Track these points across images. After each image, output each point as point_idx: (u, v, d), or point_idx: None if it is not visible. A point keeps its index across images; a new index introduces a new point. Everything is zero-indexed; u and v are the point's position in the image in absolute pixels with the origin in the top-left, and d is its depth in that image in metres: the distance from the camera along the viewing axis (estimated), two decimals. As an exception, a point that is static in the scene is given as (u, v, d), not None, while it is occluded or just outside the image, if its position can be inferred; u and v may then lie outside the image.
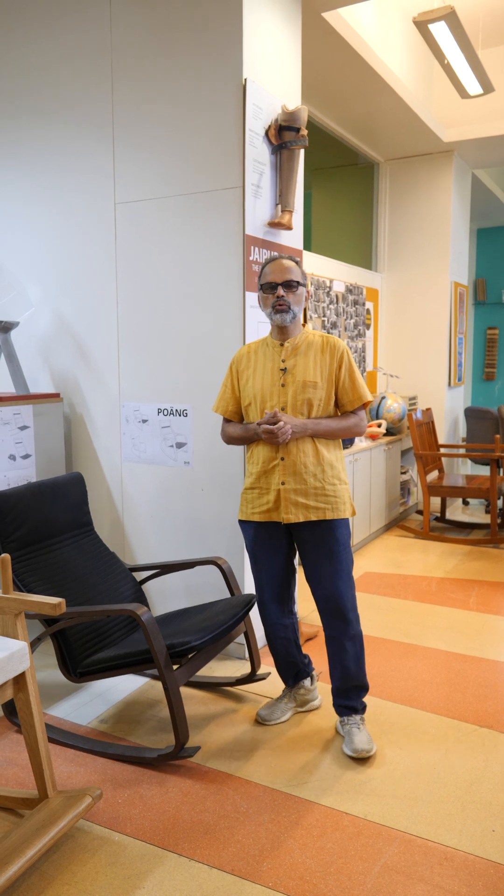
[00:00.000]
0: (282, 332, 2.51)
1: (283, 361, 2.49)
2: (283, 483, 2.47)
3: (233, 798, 2.25)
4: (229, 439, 2.63)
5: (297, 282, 2.46)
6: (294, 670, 2.73)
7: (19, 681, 2.07)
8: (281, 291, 2.44)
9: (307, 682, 2.76)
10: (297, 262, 2.50)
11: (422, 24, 3.51)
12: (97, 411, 3.54)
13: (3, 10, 3.52)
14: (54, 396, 3.48)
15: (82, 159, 3.40)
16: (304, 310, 4.33)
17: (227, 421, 2.66)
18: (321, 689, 2.94)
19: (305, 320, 4.52)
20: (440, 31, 3.57)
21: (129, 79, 3.22)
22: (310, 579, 2.54)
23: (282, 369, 2.48)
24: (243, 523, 2.62)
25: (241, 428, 2.58)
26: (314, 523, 2.49)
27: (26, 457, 3.30)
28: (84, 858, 1.99)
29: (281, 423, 2.37)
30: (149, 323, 3.33)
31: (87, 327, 3.51)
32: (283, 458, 2.47)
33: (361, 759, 2.44)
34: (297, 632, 2.71)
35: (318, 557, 2.50)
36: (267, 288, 2.48)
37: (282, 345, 2.51)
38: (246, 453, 2.61)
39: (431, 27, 3.53)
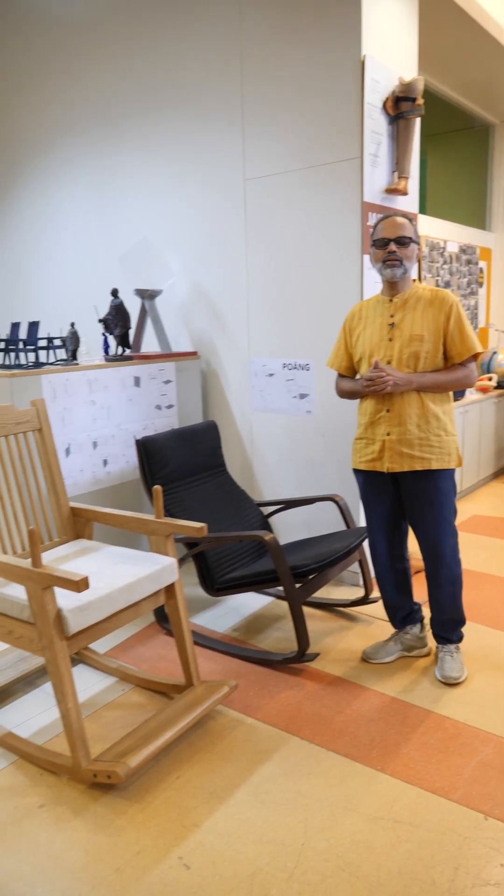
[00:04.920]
0: (391, 287, 2.45)
1: (392, 316, 2.43)
2: (388, 434, 2.44)
3: (347, 698, 2.46)
4: (342, 393, 2.61)
5: (410, 238, 2.37)
6: (401, 614, 2.68)
7: (170, 590, 2.36)
8: (393, 247, 2.36)
9: (415, 628, 2.70)
10: (409, 220, 2.41)
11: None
12: (230, 367, 3.78)
13: (153, 22, 3.71)
14: (193, 355, 3.75)
15: (215, 141, 3.57)
16: (419, 268, 4.33)
17: (340, 376, 2.64)
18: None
19: (420, 278, 4.52)
20: None
21: (257, 62, 3.33)
22: (413, 525, 2.54)
23: (390, 324, 2.43)
24: (355, 471, 2.62)
25: (351, 382, 2.56)
26: (418, 473, 2.44)
27: (170, 407, 3.61)
28: (223, 734, 2.28)
29: (379, 372, 2.34)
30: (275, 287, 3.49)
31: (220, 293, 3.73)
32: (388, 410, 2.44)
33: (450, 685, 2.53)
34: (408, 576, 2.67)
35: (422, 506, 2.47)
36: (379, 244, 2.40)
37: (391, 300, 2.46)
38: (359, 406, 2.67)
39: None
